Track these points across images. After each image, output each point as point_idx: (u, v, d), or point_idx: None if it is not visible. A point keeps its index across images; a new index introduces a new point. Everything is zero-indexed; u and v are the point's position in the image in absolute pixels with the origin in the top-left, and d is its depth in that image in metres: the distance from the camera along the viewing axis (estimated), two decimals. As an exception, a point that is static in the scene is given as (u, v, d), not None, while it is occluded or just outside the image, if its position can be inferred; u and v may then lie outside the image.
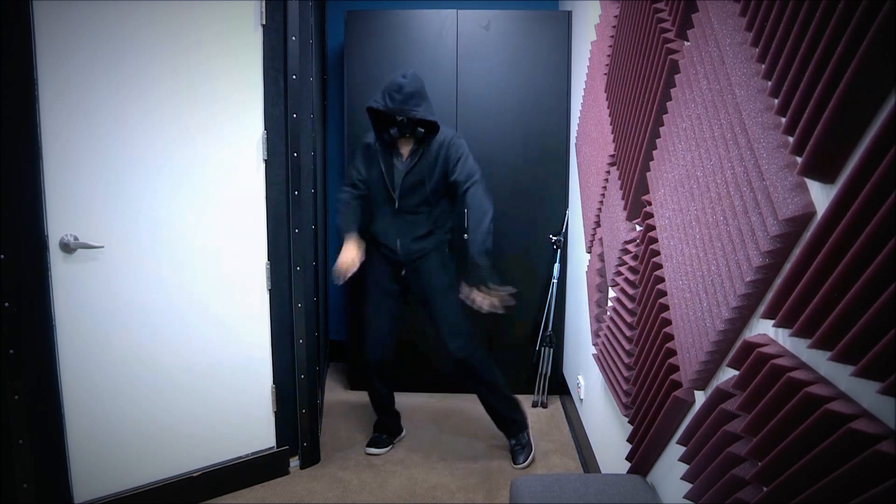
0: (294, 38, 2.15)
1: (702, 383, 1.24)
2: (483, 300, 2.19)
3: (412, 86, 2.20)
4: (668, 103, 1.38)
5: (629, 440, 1.66)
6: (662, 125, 1.43)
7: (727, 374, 1.12)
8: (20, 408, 1.71)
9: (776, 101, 0.90)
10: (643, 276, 1.57)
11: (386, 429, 2.60)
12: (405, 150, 2.34)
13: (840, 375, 0.78)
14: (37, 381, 1.76)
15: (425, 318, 2.47)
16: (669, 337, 1.37)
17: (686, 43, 1.31)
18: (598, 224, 2.22)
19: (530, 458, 2.46)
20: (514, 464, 2.44)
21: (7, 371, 1.68)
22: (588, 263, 2.43)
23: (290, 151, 2.21)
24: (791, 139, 0.85)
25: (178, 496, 2.10)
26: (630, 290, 1.70)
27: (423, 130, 2.27)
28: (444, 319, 2.38)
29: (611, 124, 1.98)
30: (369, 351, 2.43)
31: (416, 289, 2.43)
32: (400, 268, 2.41)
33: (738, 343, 1.05)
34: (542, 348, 2.99)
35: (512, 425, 2.51)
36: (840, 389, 0.77)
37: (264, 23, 2.10)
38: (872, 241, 0.67)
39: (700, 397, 1.27)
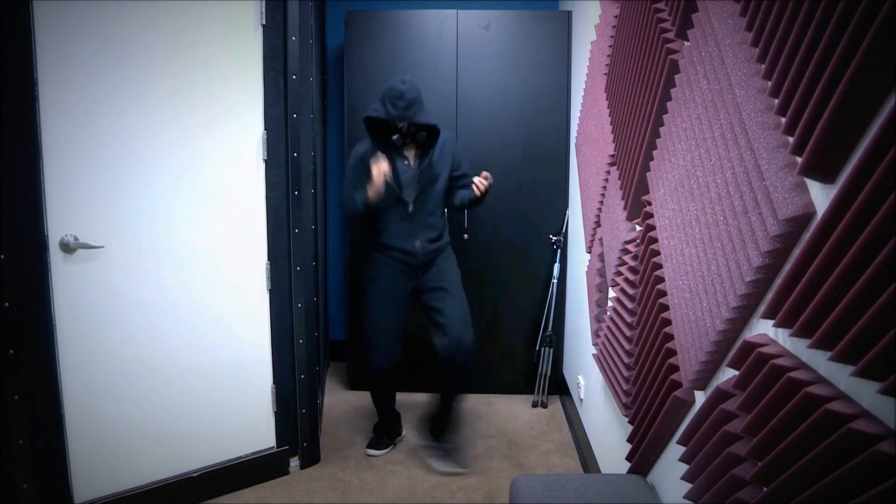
0: (294, 38, 2.15)
1: (702, 383, 1.24)
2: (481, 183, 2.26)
3: (412, 92, 2.21)
4: (668, 103, 1.38)
5: (629, 440, 1.66)
6: (662, 125, 1.43)
7: (727, 374, 1.12)
8: (20, 408, 1.71)
9: (776, 101, 0.90)
10: (643, 276, 1.57)
11: (386, 430, 2.60)
12: (410, 154, 2.35)
13: (840, 375, 0.78)
14: (37, 381, 1.76)
15: (434, 313, 2.43)
16: (669, 337, 1.37)
17: (686, 43, 1.31)
18: (598, 224, 2.22)
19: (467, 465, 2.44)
20: (440, 468, 2.42)
21: (7, 371, 1.68)
22: (588, 263, 2.43)
23: (290, 151, 2.21)
24: (791, 139, 0.86)
25: (178, 496, 2.10)
26: (630, 290, 1.70)
27: (424, 134, 2.29)
28: (457, 311, 2.39)
29: (611, 124, 1.98)
30: (376, 359, 2.43)
31: (431, 284, 2.42)
32: (414, 271, 2.40)
33: (738, 343, 1.05)
34: (542, 348, 2.99)
35: (454, 429, 2.52)
36: (840, 389, 0.77)
37: (264, 23, 2.10)
38: (872, 242, 0.67)
39: (700, 397, 1.27)
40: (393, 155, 2.31)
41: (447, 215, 2.51)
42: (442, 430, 2.53)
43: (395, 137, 2.27)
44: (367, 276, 2.46)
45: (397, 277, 2.41)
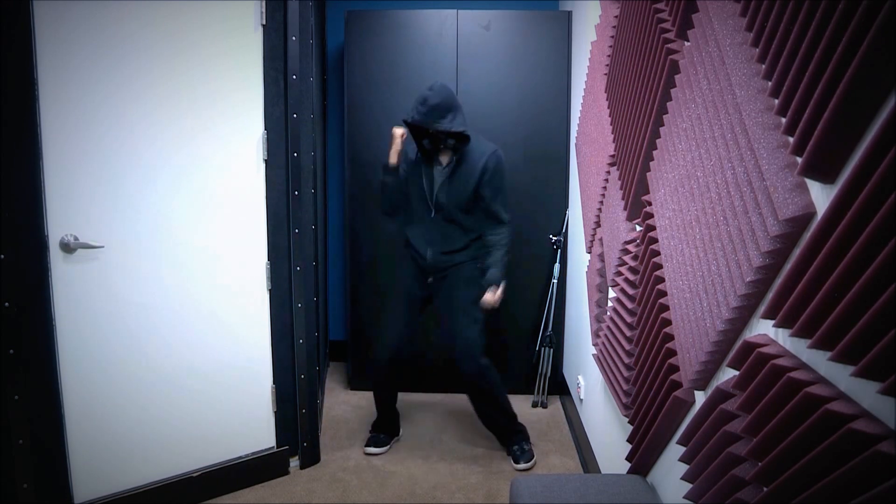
0: (294, 38, 2.15)
1: (702, 383, 1.24)
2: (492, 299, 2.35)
3: (436, 98, 2.21)
4: (668, 103, 1.38)
5: (629, 440, 1.66)
6: (662, 125, 1.43)
7: (727, 375, 1.12)
8: (20, 408, 1.71)
9: (776, 101, 0.90)
10: (643, 276, 1.57)
11: (384, 428, 2.60)
12: (444, 158, 2.37)
13: (840, 375, 0.78)
14: (37, 381, 1.76)
15: (440, 329, 2.48)
16: (669, 337, 1.37)
17: (686, 43, 1.31)
18: (598, 224, 2.22)
19: (531, 462, 2.46)
20: (515, 463, 2.45)
21: (7, 371, 1.68)
22: (588, 263, 2.43)
23: (290, 151, 2.21)
24: (791, 139, 0.86)
25: (178, 496, 2.10)
26: (630, 290, 1.70)
27: (453, 141, 2.31)
28: (461, 335, 2.38)
29: (611, 124, 1.98)
30: (381, 351, 2.45)
31: (440, 298, 2.44)
32: (426, 275, 2.43)
33: (738, 343, 1.05)
34: (542, 348, 2.99)
35: (513, 435, 2.53)
36: (840, 389, 0.77)
37: (264, 23, 2.10)
38: (872, 242, 0.67)
39: (700, 397, 1.27)
40: (429, 159, 2.35)
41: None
42: (497, 434, 2.55)
43: (424, 142, 2.31)
44: (396, 271, 2.52)
45: (416, 276, 2.45)
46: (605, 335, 1.97)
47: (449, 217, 2.37)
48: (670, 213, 1.36)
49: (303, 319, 2.32)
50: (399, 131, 2.33)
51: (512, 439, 2.52)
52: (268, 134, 2.16)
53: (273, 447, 2.34)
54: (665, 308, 1.40)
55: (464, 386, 2.49)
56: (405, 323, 2.45)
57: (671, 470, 1.41)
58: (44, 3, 1.66)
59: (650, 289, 1.48)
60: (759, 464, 0.90)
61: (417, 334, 2.53)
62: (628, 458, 1.65)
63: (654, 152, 1.49)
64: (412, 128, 2.30)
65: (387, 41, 2.91)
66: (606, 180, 2.07)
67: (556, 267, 2.96)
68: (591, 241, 2.34)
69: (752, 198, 0.97)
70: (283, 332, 2.30)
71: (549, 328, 2.99)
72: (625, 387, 1.72)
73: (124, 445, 1.98)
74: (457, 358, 2.40)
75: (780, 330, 0.93)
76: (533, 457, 2.48)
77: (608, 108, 2.02)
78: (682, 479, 1.22)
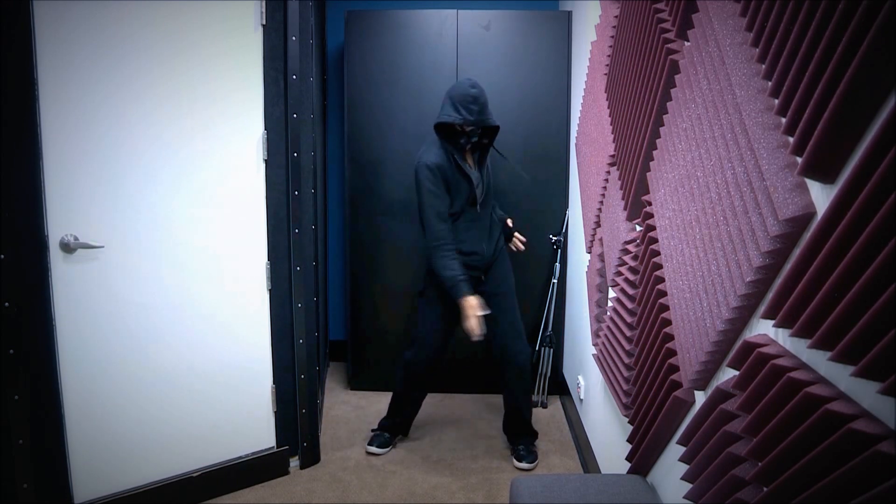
0: (294, 38, 2.15)
1: (702, 383, 1.24)
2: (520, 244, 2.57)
3: (483, 95, 2.24)
4: (668, 103, 1.38)
5: (629, 440, 1.66)
6: (662, 125, 1.43)
7: (727, 375, 1.12)
8: (20, 408, 1.71)
9: (776, 101, 0.90)
10: (643, 276, 1.57)
11: (395, 429, 2.60)
12: (470, 159, 2.37)
13: (840, 375, 0.78)
14: (37, 381, 1.76)
15: (488, 320, 2.43)
16: (669, 337, 1.37)
17: (686, 43, 1.31)
18: (598, 224, 2.22)
19: (534, 464, 2.46)
20: (518, 462, 2.44)
21: (7, 371, 1.68)
22: (588, 263, 2.43)
23: (290, 151, 2.21)
24: (791, 139, 0.86)
25: (178, 496, 2.10)
26: (630, 290, 1.70)
27: (487, 140, 2.35)
28: (515, 318, 2.44)
29: (611, 124, 1.98)
30: (421, 353, 2.46)
31: (490, 288, 2.42)
32: (480, 275, 2.42)
33: (738, 343, 1.05)
34: (542, 348, 2.99)
35: (527, 435, 2.53)
36: (840, 389, 0.77)
37: (264, 23, 2.10)
38: (872, 242, 0.67)
39: (700, 397, 1.27)
40: (459, 159, 2.32)
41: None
42: (513, 431, 2.54)
43: (462, 141, 2.28)
44: (431, 282, 2.42)
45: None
46: (605, 335, 1.97)
47: (487, 213, 2.42)
48: (670, 213, 1.36)
49: (303, 319, 2.32)
50: (480, 311, 2.23)
51: (522, 438, 2.51)
52: (268, 134, 2.16)
53: (273, 447, 2.34)
54: (665, 308, 1.40)
55: (510, 373, 2.44)
56: (450, 331, 2.47)
57: (671, 470, 1.41)
58: (44, 3, 1.66)
59: (650, 289, 1.48)
60: (759, 464, 0.90)
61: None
62: (628, 458, 1.65)
63: (654, 152, 1.49)
64: (449, 128, 2.28)
65: (387, 41, 2.91)
66: (606, 180, 2.07)
67: (556, 267, 2.96)
68: (591, 241, 2.34)
69: (752, 198, 0.97)
70: (283, 332, 2.30)
71: (549, 328, 2.99)
72: (625, 387, 1.72)
73: (124, 445, 1.99)
74: (505, 343, 2.41)
75: (780, 330, 0.93)
76: (536, 458, 2.48)
77: (608, 108, 2.02)
78: (682, 479, 1.22)
